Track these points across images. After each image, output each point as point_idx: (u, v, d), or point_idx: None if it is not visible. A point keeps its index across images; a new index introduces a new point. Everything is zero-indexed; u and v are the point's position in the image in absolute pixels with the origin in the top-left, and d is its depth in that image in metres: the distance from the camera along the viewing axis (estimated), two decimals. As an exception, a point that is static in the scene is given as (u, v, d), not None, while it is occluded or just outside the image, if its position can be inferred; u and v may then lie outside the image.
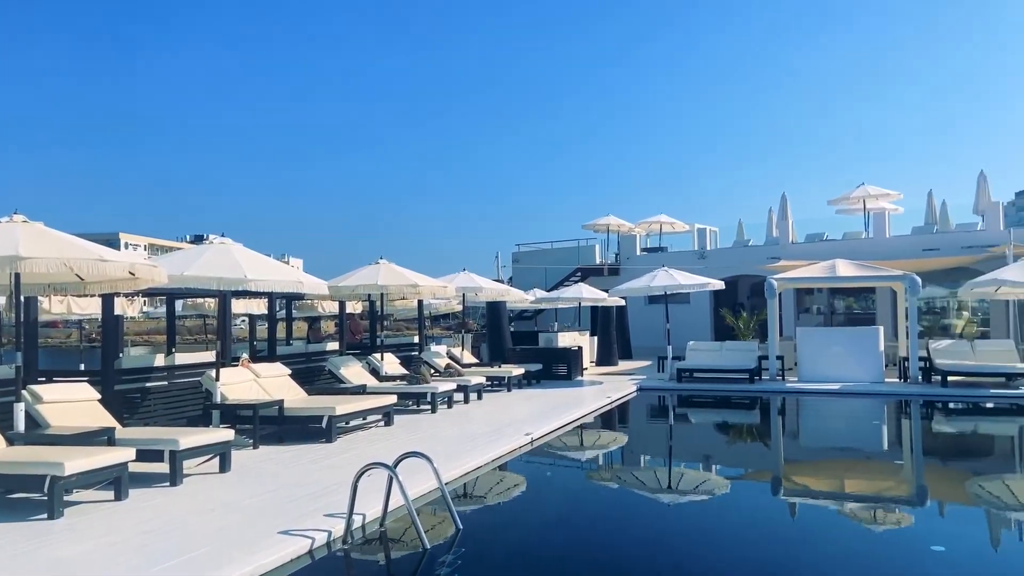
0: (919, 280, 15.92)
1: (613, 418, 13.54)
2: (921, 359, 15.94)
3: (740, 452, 11.29)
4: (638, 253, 28.29)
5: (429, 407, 12.59)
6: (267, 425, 9.65)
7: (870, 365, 16.12)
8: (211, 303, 18.69)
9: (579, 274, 27.85)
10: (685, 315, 24.69)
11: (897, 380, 16.20)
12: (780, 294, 18.03)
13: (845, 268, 16.94)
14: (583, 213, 73.74)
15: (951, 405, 14.43)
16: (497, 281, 20.34)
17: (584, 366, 19.60)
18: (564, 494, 8.17)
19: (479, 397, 14.33)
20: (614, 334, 22.19)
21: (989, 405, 14.16)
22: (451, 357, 16.46)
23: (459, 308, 21.55)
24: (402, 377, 13.46)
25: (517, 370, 16.09)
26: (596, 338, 22.35)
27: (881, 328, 16.90)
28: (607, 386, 16.41)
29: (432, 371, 14.92)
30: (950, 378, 15.02)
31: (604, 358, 21.85)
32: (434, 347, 17.65)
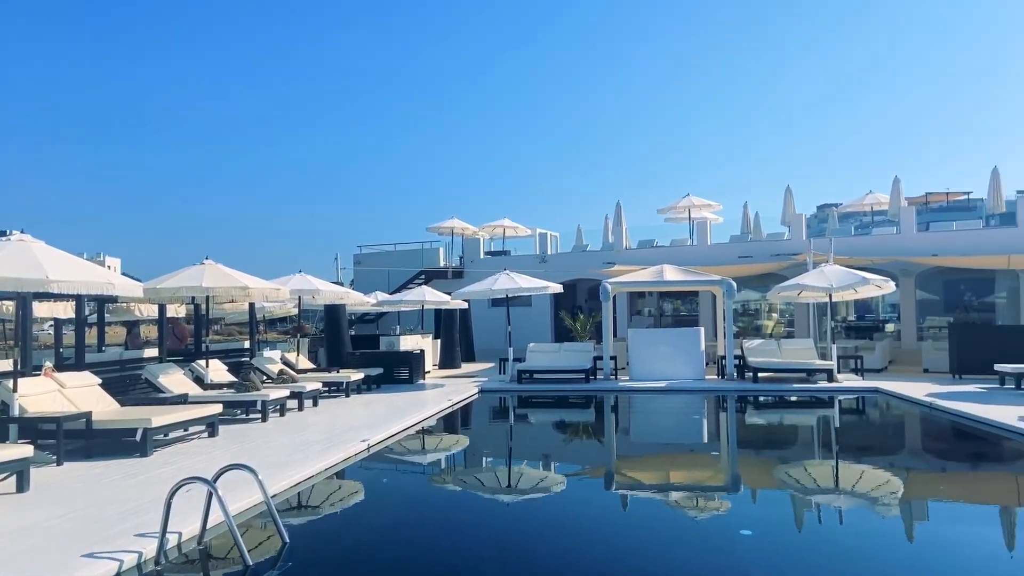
0: (734, 284, 17.29)
1: (454, 421, 13.57)
2: (736, 357, 17.31)
3: (575, 450, 11.69)
4: (482, 256, 28.63)
5: (260, 416, 12.00)
6: (73, 440, 8.79)
7: (693, 363, 17.30)
8: (9, 306, 16.75)
9: (423, 276, 27.75)
10: (527, 317, 25.30)
11: (716, 377, 17.49)
12: (615, 297, 18.91)
13: (671, 273, 18.06)
14: (428, 215, 73.61)
15: (761, 399, 15.77)
16: (336, 283, 19.78)
17: (427, 369, 19.54)
18: (401, 500, 8.05)
19: (315, 404, 13.86)
20: (457, 337, 22.30)
21: (793, 398, 15.62)
22: (285, 363, 15.82)
23: (295, 311, 20.76)
24: (229, 385, 12.74)
25: (356, 375, 15.73)
26: (439, 341, 22.35)
27: (702, 329, 18.19)
28: (449, 389, 16.44)
29: (264, 378, 14.24)
30: (760, 374, 16.43)
31: (447, 361, 21.89)
32: (267, 352, 16.87)
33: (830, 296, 16.37)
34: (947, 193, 59.28)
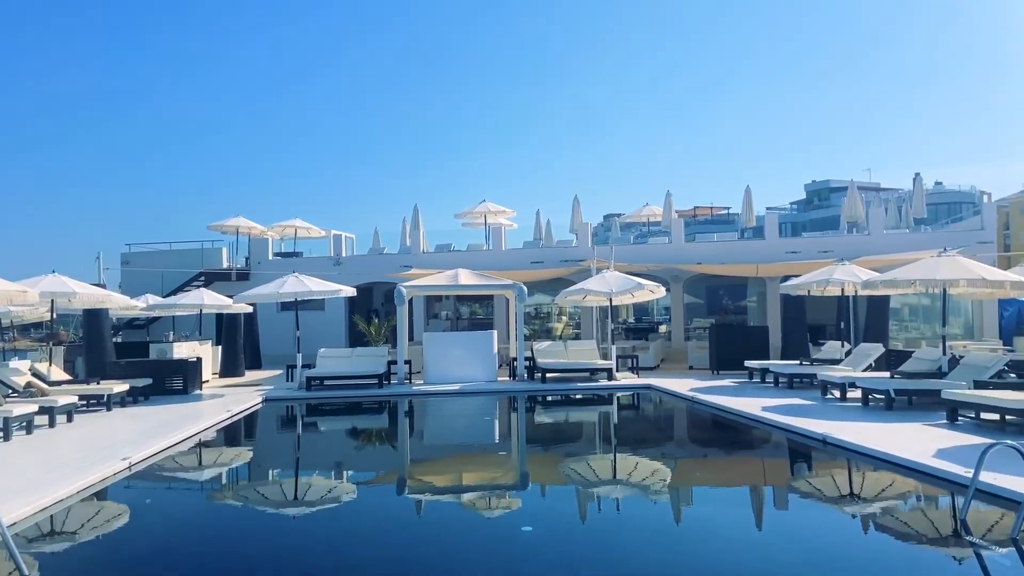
0: (525, 289, 17.93)
1: (234, 433, 12.71)
2: (527, 359, 17.95)
3: (367, 457, 11.42)
4: (271, 258, 27.21)
5: (1, 435, 10.43)
6: None
7: (485, 366, 17.68)
8: None
9: (203, 278, 25.80)
10: (319, 322, 24.42)
11: (508, 378, 18.01)
12: (411, 300, 18.80)
13: (466, 277, 18.32)
14: (209, 213, 68.63)
15: (549, 398, 16.47)
16: (98, 285, 17.75)
17: (205, 378, 18.15)
18: (165, 520, 7.34)
19: (69, 419, 12.32)
20: (241, 343, 20.97)
21: (578, 396, 16.49)
22: (35, 374, 13.92)
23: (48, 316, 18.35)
24: (-40, 401, 10.95)
25: (120, 386, 14.22)
26: (220, 347, 20.88)
27: (495, 332, 18.66)
28: (229, 399, 15.38)
29: (8, 391, 12.44)
30: (548, 374, 17.17)
31: (229, 369, 20.50)
32: (13, 363, 14.76)
33: (611, 300, 17.50)
34: (711, 207, 66.25)
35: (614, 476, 9.09)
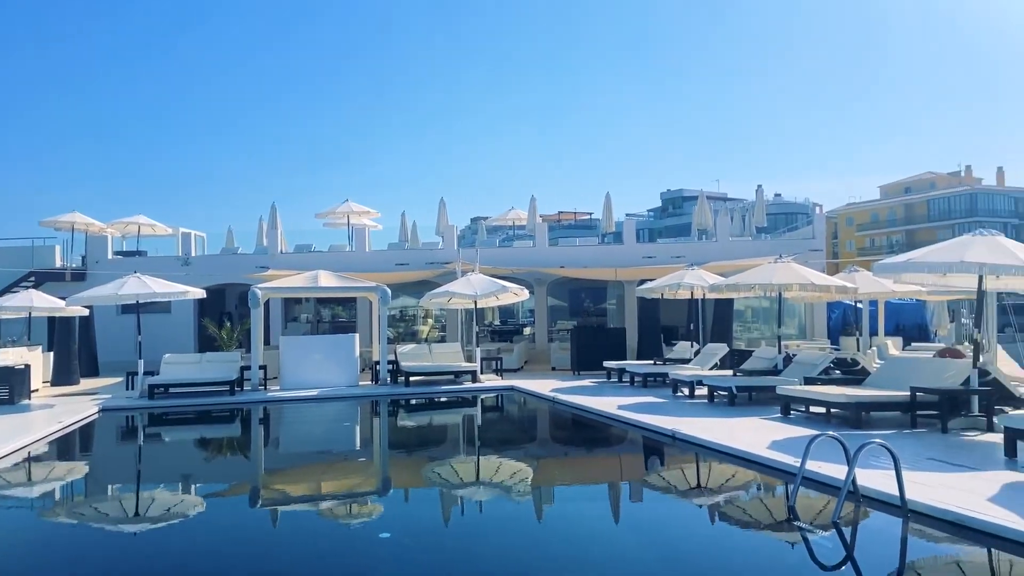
0: (388, 291, 17.65)
1: (68, 445, 11.64)
2: (390, 362, 17.67)
3: (217, 467, 10.79)
4: (110, 257, 25.20)
5: None
6: None
7: (346, 370, 17.23)
8: None
9: (33, 279, 23.50)
10: (165, 326, 22.89)
11: (370, 382, 17.64)
12: (268, 303, 17.99)
13: (326, 279, 17.78)
14: (41, 210, 62.86)
15: (413, 402, 16.29)
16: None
17: (34, 387, 16.52)
18: (-22, 549, 6.57)
19: None
20: (76, 349, 19.27)
21: (443, 399, 16.42)
22: None
23: None
24: None
25: (-71, 398, 12.65)
26: (52, 354, 19.09)
27: (357, 335, 18.23)
28: (60, 409, 14.07)
29: None
30: (412, 378, 16.98)
31: (62, 377, 18.78)
32: None
33: (475, 302, 17.57)
34: (575, 213, 68.42)
35: (477, 478, 9.10)
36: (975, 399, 9.93)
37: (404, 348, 18.13)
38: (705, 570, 5.64)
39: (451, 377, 17.45)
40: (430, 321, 27.30)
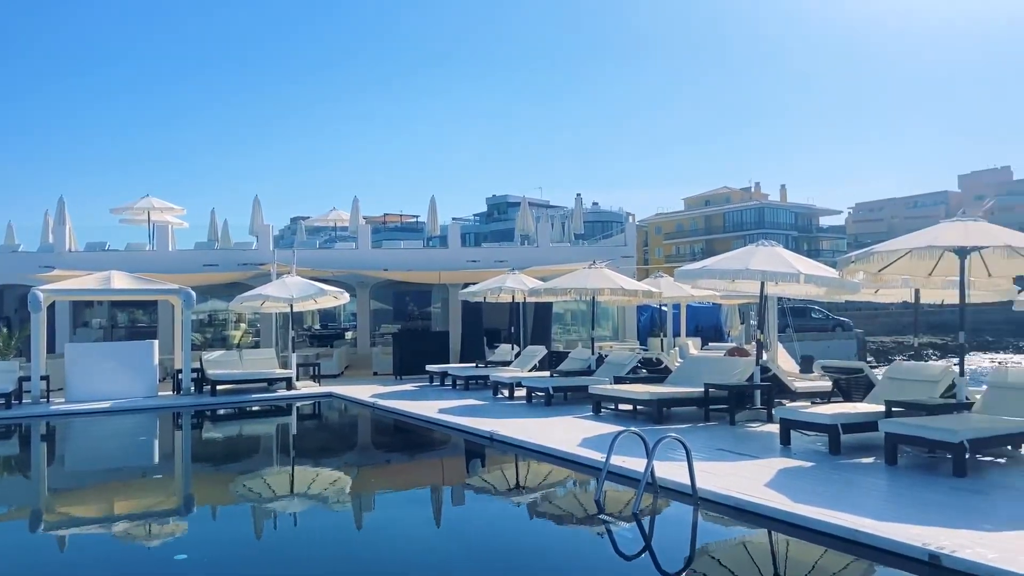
0: (193, 294, 16.46)
1: None
2: (195, 370, 16.47)
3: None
4: None
5: None
6: None
7: (144, 379, 15.83)
8: None
9: None
10: (-78, 333, 19.81)
11: (172, 392, 16.33)
12: (52, 306, 16.11)
13: (121, 280, 16.26)
14: None
15: (220, 412, 15.28)
16: None
17: None
18: None
19: None
20: None
21: (254, 408, 15.55)
22: None
23: None
24: None
25: None
26: None
27: (156, 342, 16.82)
28: None
29: None
30: (220, 386, 15.93)
31: None
32: None
33: (291, 306, 16.83)
34: (401, 215, 67.85)
35: (291, 490, 8.70)
36: (758, 393, 10.96)
37: (211, 355, 16.98)
38: (517, 567, 5.73)
39: (264, 385, 16.58)
40: (243, 326, 25.80)
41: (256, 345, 22.23)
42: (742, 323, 25.76)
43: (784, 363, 17.79)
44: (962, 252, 8.65)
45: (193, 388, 16.21)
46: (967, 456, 7.05)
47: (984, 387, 8.79)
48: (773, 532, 5.94)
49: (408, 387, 16.77)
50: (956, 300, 9.25)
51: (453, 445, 11.24)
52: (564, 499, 7.98)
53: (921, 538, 5.05)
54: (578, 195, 28.39)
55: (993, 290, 10.84)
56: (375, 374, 19.89)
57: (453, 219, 62.10)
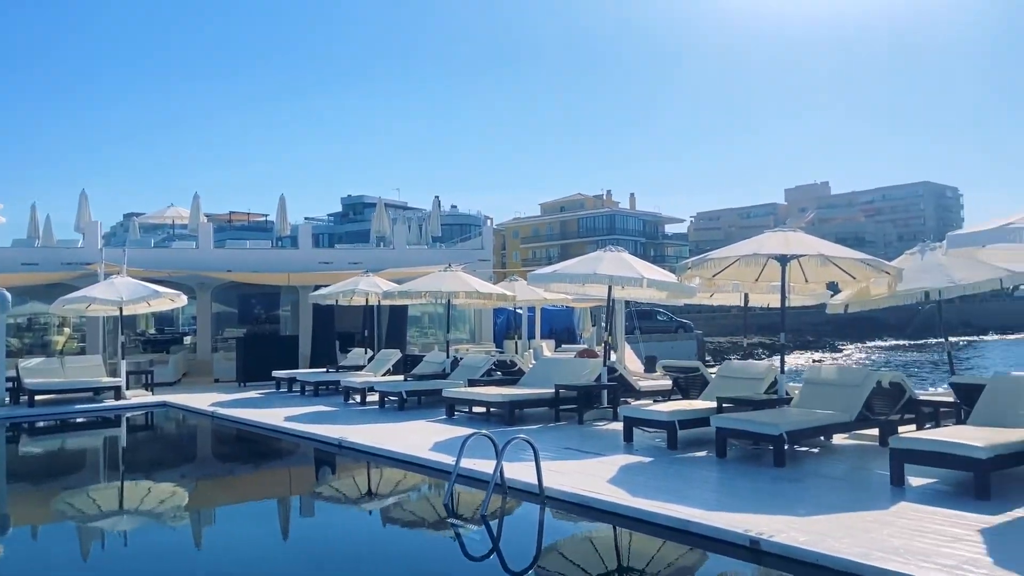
0: (8, 295, 14.84)
1: None
2: (11, 379, 14.87)
3: None
4: None
5: None
6: None
7: (-54, 391, 14.06)
8: None
9: None
10: None
11: (-19, 405, 14.62)
12: None
13: (-83, 279, 14.37)
14: None
15: (40, 424, 13.89)
16: None
17: None
18: None
19: None
20: None
21: (79, 420, 14.23)
22: None
23: None
24: None
25: None
26: None
27: (-37, 348, 15.01)
28: None
29: None
30: (38, 397, 14.46)
31: None
32: None
33: (121, 309, 15.57)
34: (248, 214, 64.68)
35: (120, 506, 8.04)
36: (604, 393, 11.39)
37: (28, 362, 15.38)
38: (366, 574, 5.60)
39: (89, 395, 15.22)
40: (67, 331, 23.57)
41: (82, 351, 20.38)
42: (593, 325, 26.74)
43: (631, 363, 18.66)
44: (783, 260, 9.42)
45: (8, 399, 14.60)
46: (786, 447, 7.67)
47: (802, 383, 9.60)
48: (614, 526, 6.17)
49: (252, 395, 15.99)
50: (779, 303, 10.08)
51: (301, 454, 10.83)
52: (415, 504, 7.89)
53: (744, 525, 5.42)
54: (436, 197, 28.37)
55: (810, 294, 11.87)
56: (216, 381, 18.84)
57: (305, 219, 60.18)
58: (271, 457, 11.34)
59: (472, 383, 12.70)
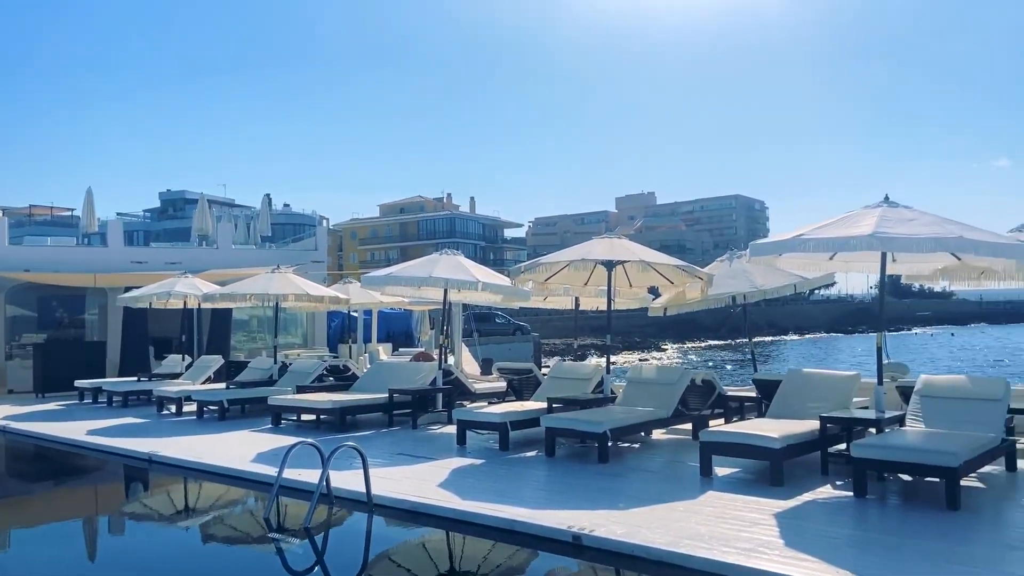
0: None
1: None
2: None
3: None
4: None
5: None
6: None
7: None
8: None
9: None
10: None
11: None
12: None
13: None
14: None
15: None
16: None
17: None
18: None
19: None
20: None
21: None
22: None
23: None
24: None
25: None
26: None
27: None
28: None
29: None
30: None
31: None
32: None
33: None
34: (52, 207, 58.41)
35: None
36: (440, 396, 11.36)
37: None
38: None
39: None
40: None
41: None
42: (432, 328, 26.68)
43: (468, 366, 18.80)
44: (609, 265, 9.88)
45: None
46: (609, 444, 8.02)
47: (625, 383, 10.10)
48: (445, 531, 6.15)
49: (52, 406, 14.43)
50: (606, 306, 10.55)
51: (107, 471, 9.88)
52: (236, 520, 7.44)
53: (567, 521, 5.59)
54: (267, 195, 27.16)
55: (634, 298, 12.54)
56: (10, 392, 16.88)
57: (118, 215, 55.28)
58: (73, 475, 10.26)
59: (301, 389, 12.21)
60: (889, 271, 8.19)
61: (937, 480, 6.01)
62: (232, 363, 16.12)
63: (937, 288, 73.58)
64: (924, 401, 7.33)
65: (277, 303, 13.87)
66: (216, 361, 15.12)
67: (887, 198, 7.29)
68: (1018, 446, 7.18)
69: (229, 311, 18.43)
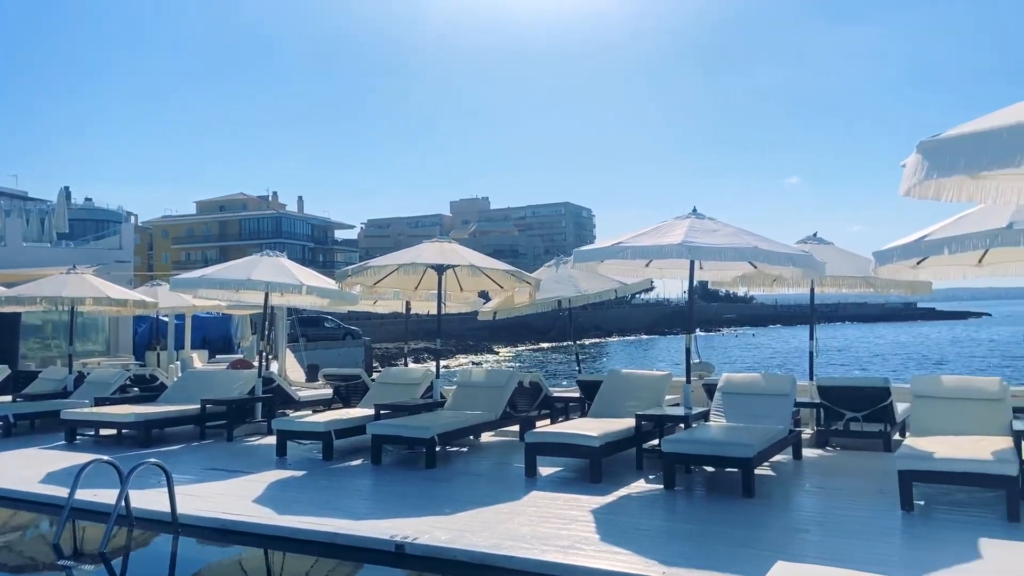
0: None
1: None
2: None
3: None
4: None
5: None
6: None
7: None
8: None
9: None
10: None
11: None
12: None
13: None
14: None
15: None
16: None
17: None
18: None
19: None
20: None
21: None
22: None
23: None
24: None
25: None
26: None
27: None
28: None
29: None
30: None
31: None
32: None
33: None
34: None
35: None
36: (259, 406, 10.77)
37: None
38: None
39: None
40: None
41: None
42: (254, 334, 25.31)
43: (292, 372, 18.04)
44: (439, 268, 9.85)
45: None
46: (437, 448, 7.98)
47: (455, 386, 10.11)
48: (263, 548, 5.80)
49: None
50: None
51: None
52: (23, 546, 6.57)
53: (391, 530, 5.47)
54: (64, 188, 24.59)
55: (465, 302, 12.61)
56: None
57: None
58: None
59: (100, 402, 11.11)
60: (697, 277, 8.84)
61: (735, 470, 6.54)
62: (21, 373, 14.39)
63: (740, 293, 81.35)
64: (725, 397, 7.97)
65: (73, 307, 12.54)
66: (1, 371, 13.42)
67: (695, 210, 7.86)
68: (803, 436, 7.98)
69: (18, 315, 16.45)
